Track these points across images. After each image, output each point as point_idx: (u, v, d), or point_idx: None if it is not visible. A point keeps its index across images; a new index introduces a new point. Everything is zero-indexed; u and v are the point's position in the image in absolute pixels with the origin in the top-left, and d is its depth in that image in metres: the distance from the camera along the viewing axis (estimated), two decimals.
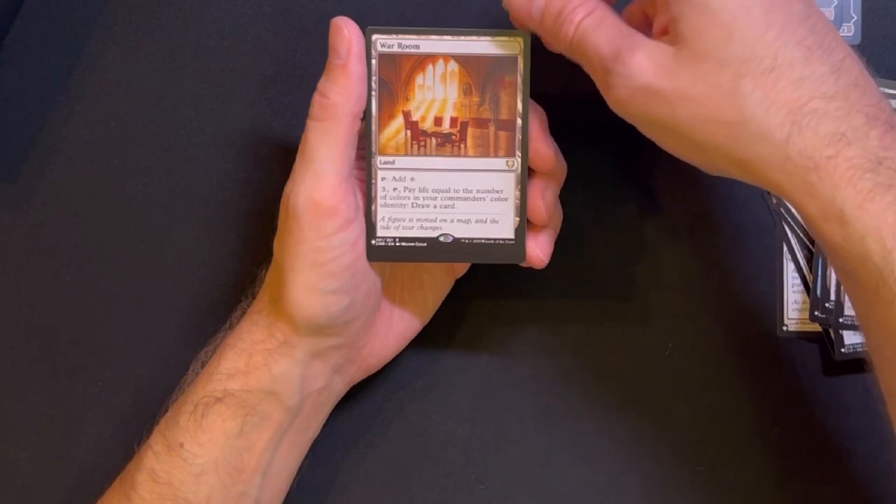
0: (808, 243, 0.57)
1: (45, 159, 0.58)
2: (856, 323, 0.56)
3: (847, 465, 0.57)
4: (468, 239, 0.51)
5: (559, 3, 0.47)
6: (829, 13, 0.57)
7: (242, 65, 0.58)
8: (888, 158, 0.42)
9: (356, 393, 0.56)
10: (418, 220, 0.51)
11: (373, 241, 0.51)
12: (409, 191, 0.51)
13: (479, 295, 0.57)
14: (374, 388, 0.57)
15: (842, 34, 0.57)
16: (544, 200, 0.51)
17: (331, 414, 0.55)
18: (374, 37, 0.49)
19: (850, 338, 0.56)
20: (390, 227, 0.51)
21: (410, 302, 0.55)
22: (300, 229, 0.49)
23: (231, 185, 0.58)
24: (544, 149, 0.50)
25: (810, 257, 0.57)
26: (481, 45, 0.50)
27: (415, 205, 0.51)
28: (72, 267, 0.58)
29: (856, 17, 0.57)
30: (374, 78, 0.49)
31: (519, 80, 0.50)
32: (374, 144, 0.50)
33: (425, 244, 0.51)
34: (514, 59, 0.50)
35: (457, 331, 0.58)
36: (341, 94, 0.48)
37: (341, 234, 0.49)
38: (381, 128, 0.50)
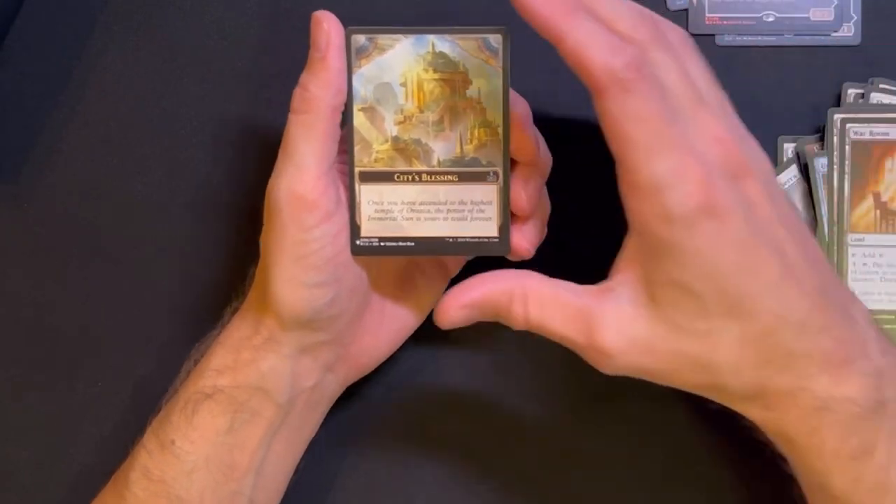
0: None
1: (45, 159, 0.58)
2: None
3: None
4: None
5: (492, 309, 0.48)
6: (829, 13, 0.57)
7: (242, 65, 0.58)
8: (834, 399, 0.45)
9: (354, 392, 0.56)
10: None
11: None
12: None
13: None
14: (372, 387, 0.57)
15: (842, 34, 0.57)
16: (527, 192, 0.50)
17: (329, 413, 0.54)
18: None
19: None
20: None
21: (403, 301, 0.55)
22: (281, 222, 0.49)
23: (230, 185, 0.58)
24: (526, 139, 0.50)
25: None
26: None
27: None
28: (72, 267, 0.58)
29: (856, 17, 0.57)
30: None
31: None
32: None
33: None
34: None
35: (455, 330, 0.58)
36: (320, 86, 0.49)
37: (322, 226, 0.49)
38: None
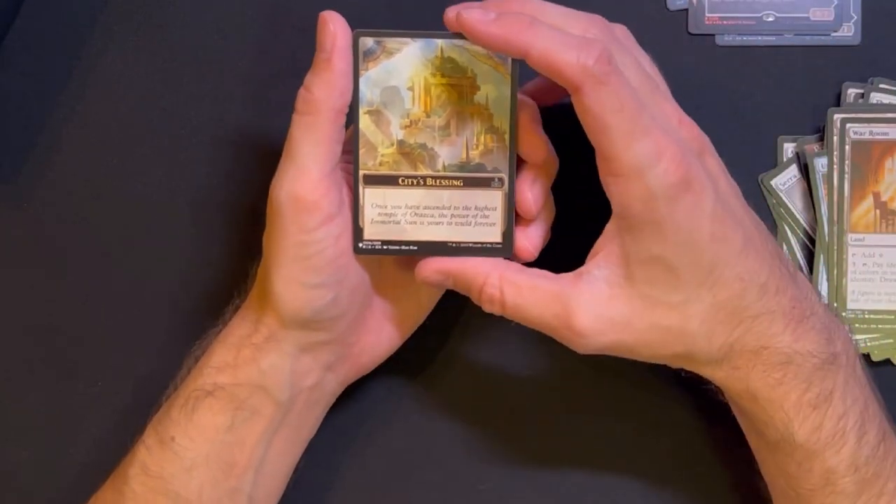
0: (808, 244, 0.57)
1: (45, 159, 0.58)
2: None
3: None
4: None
5: (463, 286, 0.51)
6: (829, 13, 0.57)
7: (242, 65, 0.58)
8: (796, 353, 0.49)
9: (355, 392, 0.56)
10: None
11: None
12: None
13: None
14: (372, 387, 0.57)
15: (842, 34, 0.57)
16: (533, 193, 0.51)
17: (329, 413, 0.54)
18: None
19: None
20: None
21: (404, 301, 0.55)
22: (283, 223, 0.49)
23: (230, 185, 0.58)
24: (535, 140, 0.50)
25: (810, 258, 0.57)
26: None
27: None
28: (72, 267, 0.58)
29: (856, 17, 0.57)
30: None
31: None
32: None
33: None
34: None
35: (455, 330, 0.58)
36: (324, 88, 0.48)
37: (324, 228, 0.49)
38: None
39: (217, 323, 0.53)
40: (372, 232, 0.51)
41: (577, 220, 0.57)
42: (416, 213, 0.51)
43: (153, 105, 0.58)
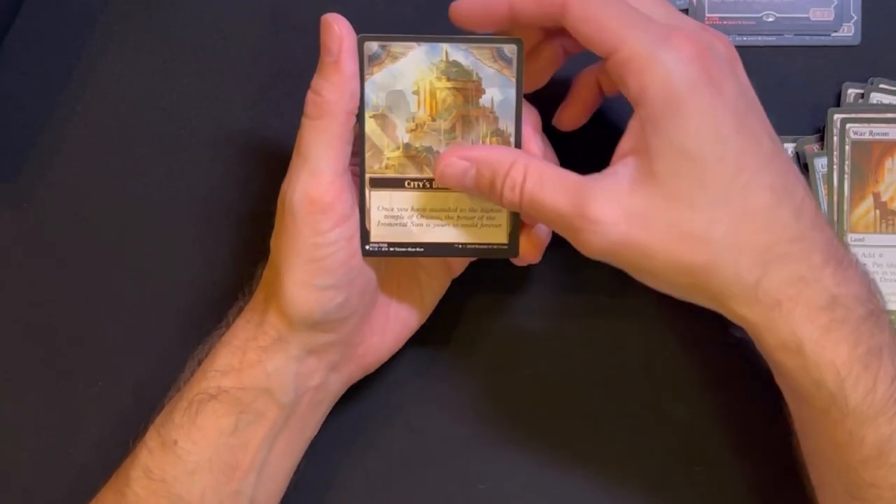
0: None
1: (45, 159, 0.58)
2: None
3: None
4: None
5: (488, 172, 0.48)
6: (829, 13, 0.57)
7: (242, 65, 0.58)
8: (840, 296, 0.45)
9: (355, 392, 0.56)
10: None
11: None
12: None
13: (478, 293, 0.57)
14: (373, 387, 0.57)
15: (842, 34, 0.57)
16: None
17: (329, 413, 0.54)
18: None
19: None
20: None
21: (407, 300, 0.55)
22: (296, 226, 0.49)
23: (231, 185, 0.58)
24: (534, 150, 0.50)
25: None
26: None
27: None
28: (72, 267, 0.58)
29: (856, 17, 0.57)
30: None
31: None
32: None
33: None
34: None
35: (455, 330, 0.58)
36: (334, 91, 0.48)
37: (337, 230, 0.49)
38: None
39: (219, 324, 0.53)
40: (378, 234, 0.51)
41: None
42: (422, 216, 0.51)
43: (153, 105, 0.58)
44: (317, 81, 0.49)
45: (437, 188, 0.50)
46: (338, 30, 0.48)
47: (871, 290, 0.47)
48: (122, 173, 0.58)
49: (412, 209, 0.51)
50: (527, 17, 0.48)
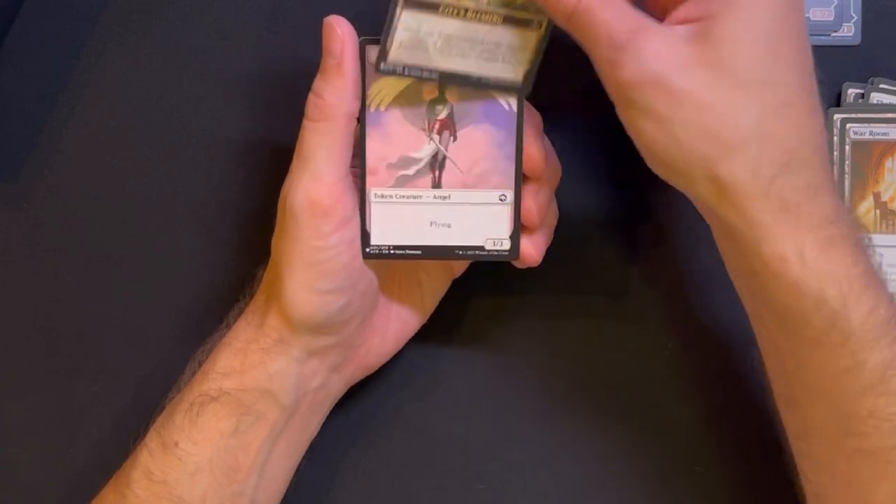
0: None
1: (45, 159, 0.58)
2: None
3: None
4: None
5: None
6: (829, 13, 0.57)
7: (242, 65, 0.58)
8: (843, 213, 0.45)
9: (355, 393, 0.56)
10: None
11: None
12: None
13: (478, 294, 0.57)
14: (373, 387, 0.57)
15: (842, 34, 0.57)
16: (537, 203, 0.51)
17: (330, 414, 0.55)
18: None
19: None
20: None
21: (408, 301, 0.55)
22: (297, 229, 0.49)
23: (230, 186, 0.58)
24: (535, 153, 0.50)
25: None
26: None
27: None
28: (72, 267, 0.58)
29: (856, 17, 0.57)
30: None
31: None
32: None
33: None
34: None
35: (456, 330, 0.58)
36: (336, 94, 0.48)
37: (338, 233, 0.49)
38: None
39: (220, 325, 0.53)
40: (397, 55, 0.49)
41: (579, 220, 0.57)
42: (447, 43, 0.49)
43: (153, 105, 0.58)
44: (318, 84, 0.49)
45: (471, 18, 0.49)
46: (340, 32, 0.48)
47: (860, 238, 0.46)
48: (122, 173, 0.58)
49: (438, 34, 0.49)
50: None
